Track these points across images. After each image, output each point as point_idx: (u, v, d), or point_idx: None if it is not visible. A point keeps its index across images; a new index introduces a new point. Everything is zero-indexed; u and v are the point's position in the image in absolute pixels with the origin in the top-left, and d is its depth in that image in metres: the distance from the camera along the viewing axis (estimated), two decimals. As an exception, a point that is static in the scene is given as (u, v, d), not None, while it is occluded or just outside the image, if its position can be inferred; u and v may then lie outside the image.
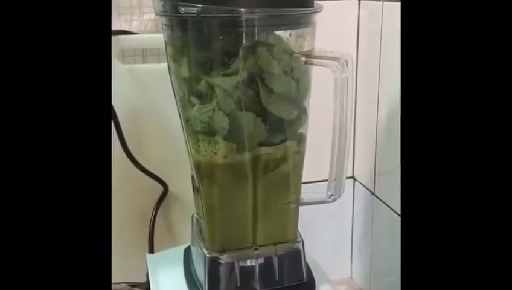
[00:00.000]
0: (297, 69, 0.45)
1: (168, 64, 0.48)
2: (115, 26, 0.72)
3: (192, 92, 0.45)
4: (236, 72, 0.42)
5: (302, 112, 0.47)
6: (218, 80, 0.43)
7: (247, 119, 0.44)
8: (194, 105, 0.45)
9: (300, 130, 0.47)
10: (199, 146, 0.45)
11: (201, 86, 0.43)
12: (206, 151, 0.45)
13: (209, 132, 0.44)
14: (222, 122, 0.44)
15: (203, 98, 0.44)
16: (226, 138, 0.44)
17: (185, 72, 0.45)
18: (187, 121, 0.46)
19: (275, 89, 0.43)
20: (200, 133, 0.45)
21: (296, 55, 0.44)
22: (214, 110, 0.43)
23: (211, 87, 0.43)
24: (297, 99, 0.46)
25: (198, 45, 0.43)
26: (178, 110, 0.48)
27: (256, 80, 0.43)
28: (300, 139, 0.47)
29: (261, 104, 0.44)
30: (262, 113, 0.44)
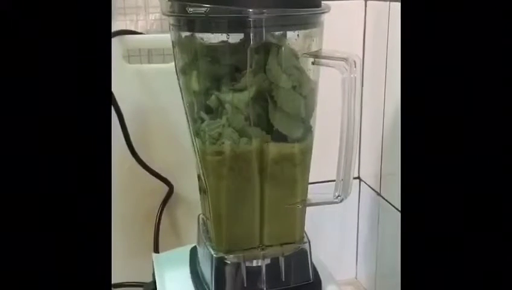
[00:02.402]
0: (305, 86, 0.45)
1: (176, 74, 0.48)
2: (120, 26, 0.72)
3: (202, 105, 0.45)
4: (246, 87, 0.43)
5: (308, 131, 0.47)
6: (228, 96, 0.43)
7: (256, 134, 0.44)
8: (202, 119, 0.45)
9: (307, 141, 0.48)
10: (207, 152, 0.45)
11: (211, 101, 0.44)
12: (213, 156, 0.45)
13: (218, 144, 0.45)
14: (232, 137, 0.44)
15: (213, 113, 0.44)
16: (234, 147, 0.44)
17: (194, 85, 0.45)
18: (196, 134, 0.46)
19: (283, 107, 0.44)
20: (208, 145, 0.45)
21: (304, 55, 0.44)
22: (223, 126, 0.44)
23: (221, 103, 0.43)
24: (304, 118, 0.46)
25: (207, 49, 0.43)
26: (186, 114, 0.48)
27: (265, 96, 0.43)
28: (308, 148, 0.48)
29: (269, 121, 0.44)
30: (271, 130, 0.44)
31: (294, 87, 0.44)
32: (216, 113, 0.44)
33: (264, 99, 0.43)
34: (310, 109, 0.47)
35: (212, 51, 0.43)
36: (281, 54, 0.43)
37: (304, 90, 0.45)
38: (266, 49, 0.42)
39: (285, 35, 0.43)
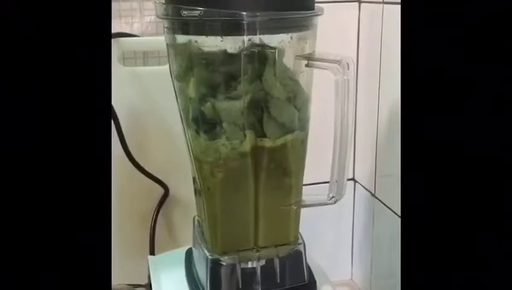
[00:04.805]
0: (299, 97, 0.46)
1: (171, 77, 0.48)
2: (115, 28, 0.72)
3: (197, 111, 0.45)
4: (242, 96, 0.43)
5: (303, 138, 0.47)
6: (224, 104, 0.43)
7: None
8: (198, 129, 0.45)
9: (302, 145, 0.48)
10: (202, 156, 0.46)
11: (207, 109, 0.44)
12: (208, 160, 0.45)
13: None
14: (228, 152, 0.44)
15: (210, 132, 0.44)
16: (229, 153, 0.45)
17: (190, 92, 0.45)
18: (192, 138, 0.46)
19: (277, 117, 0.44)
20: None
21: (297, 57, 0.44)
22: (223, 145, 0.44)
23: (216, 111, 0.43)
24: (297, 130, 0.46)
25: (202, 55, 0.44)
26: (181, 118, 0.48)
27: (260, 105, 0.44)
28: (302, 151, 0.48)
29: (263, 130, 0.44)
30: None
31: (289, 99, 0.45)
32: (214, 134, 0.44)
33: (259, 108, 0.44)
34: (303, 121, 0.47)
35: (208, 58, 0.43)
36: (276, 64, 0.43)
37: (298, 102, 0.46)
38: (261, 57, 0.43)
39: (281, 43, 0.44)
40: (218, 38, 0.42)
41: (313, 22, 0.45)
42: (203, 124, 0.44)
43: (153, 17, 0.75)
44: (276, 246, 0.49)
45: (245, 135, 0.44)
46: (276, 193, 0.47)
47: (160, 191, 0.73)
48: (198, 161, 0.46)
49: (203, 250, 0.49)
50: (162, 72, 0.53)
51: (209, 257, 0.47)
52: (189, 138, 0.47)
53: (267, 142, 0.45)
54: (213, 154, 0.45)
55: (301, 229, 0.51)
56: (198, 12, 0.40)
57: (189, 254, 0.55)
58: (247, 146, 0.44)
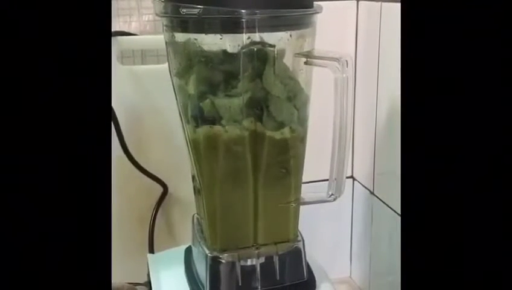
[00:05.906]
0: (299, 97, 0.46)
1: (170, 74, 0.48)
2: (114, 27, 0.72)
3: (196, 108, 0.45)
4: (241, 94, 0.43)
5: (302, 136, 0.48)
6: (223, 101, 0.43)
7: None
8: (197, 125, 0.45)
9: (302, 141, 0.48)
10: (201, 153, 0.46)
11: (206, 105, 0.44)
12: (207, 157, 0.46)
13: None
14: (229, 147, 0.45)
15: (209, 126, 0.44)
16: (228, 149, 0.45)
17: (190, 89, 0.45)
18: (190, 135, 0.46)
19: (277, 117, 0.44)
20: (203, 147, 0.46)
21: (296, 55, 0.44)
22: (224, 141, 0.44)
23: (216, 107, 0.43)
24: (296, 127, 0.46)
25: (202, 53, 0.44)
26: (180, 115, 0.48)
27: (260, 104, 0.44)
28: (301, 148, 0.48)
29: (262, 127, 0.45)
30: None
31: (288, 98, 0.45)
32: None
33: (258, 106, 0.44)
34: (303, 119, 0.47)
35: (207, 56, 0.44)
36: (276, 62, 0.43)
37: (297, 100, 0.46)
38: (260, 55, 0.43)
39: (280, 42, 0.44)
40: (218, 36, 0.42)
41: (312, 20, 0.45)
42: (203, 121, 0.44)
43: (151, 16, 0.75)
44: (275, 243, 0.49)
45: (246, 129, 0.44)
46: (276, 190, 0.48)
47: (159, 189, 0.73)
48: (197, 158, 0.46)
49: (202, 248, 0.49)
50: (160, 71, 0.53)
51: (209, 254, 0.47)
52: (188, 135, 0.47)
53: (267, 132, 0.45)
54: (212, 147, 0.45)
55: (300, 227, 0.51)
56: (197, 10, 0.41)
57: (188, 252, 0.55)
58: (246, 133, 0.44)
